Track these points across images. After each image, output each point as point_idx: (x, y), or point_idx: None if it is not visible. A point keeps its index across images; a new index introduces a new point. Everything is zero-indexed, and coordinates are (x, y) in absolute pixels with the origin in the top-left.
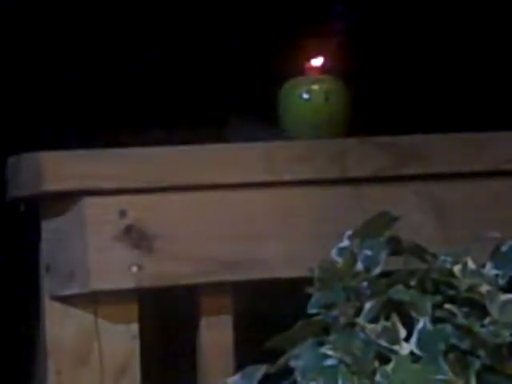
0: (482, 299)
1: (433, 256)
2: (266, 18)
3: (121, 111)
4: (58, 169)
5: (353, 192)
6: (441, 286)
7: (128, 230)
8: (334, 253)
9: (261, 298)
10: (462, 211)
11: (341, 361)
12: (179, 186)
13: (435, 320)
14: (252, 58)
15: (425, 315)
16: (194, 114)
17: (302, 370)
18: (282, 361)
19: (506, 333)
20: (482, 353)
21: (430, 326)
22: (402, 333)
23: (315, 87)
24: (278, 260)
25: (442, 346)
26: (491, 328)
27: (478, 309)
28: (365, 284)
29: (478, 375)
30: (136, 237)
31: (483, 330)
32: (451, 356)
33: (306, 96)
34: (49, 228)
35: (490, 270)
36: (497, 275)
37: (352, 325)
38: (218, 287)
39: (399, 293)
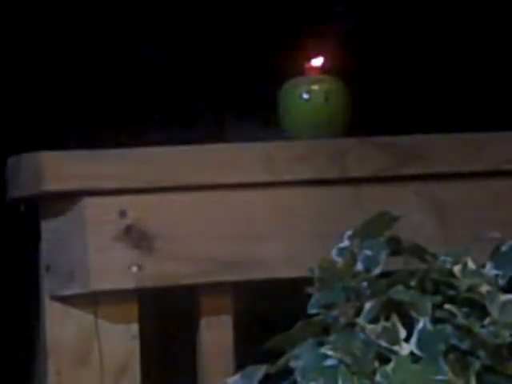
0: (482, 299)
1: (433, 256)
2: (266, 18)
3: (121, 111)
4: (58, 169)
5: (353, 192)
6: (441, 287)
7: (128, 230)
8: (333, 253)
9: (261, 298)
10: (462, 211)
11: (341, 361)
12: (179, 186)
13: (435, 320)
14: (252, 57)
15: (425, 315)
16: (194, 114)
17: (302, 370)
18: (281, 361)
19: (506, 333)
20: (482, 353)
21: (430, 327)
22: (402, 333)
23: (315, 87)
24: (277, 260)
25: (442, 347)
26: (491, 328)
27: (478, 309)
28: (365, 284)
29: (478, 375)
30: (136, 237)
31: (483, 331)
32: (451, 356)
33: (305, 96)
34: (49, 228)
35: (490, 270)
36: (497, 275)
37: (352, 325)
38: (217, 287)
39: (399, 293)
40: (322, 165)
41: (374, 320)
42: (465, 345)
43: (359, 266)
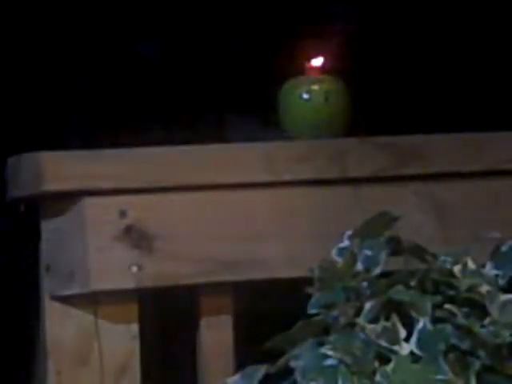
0: (482, 299)
1: (433, 256)
2: (266, 18)
3: (121, 111)
4: (58, 169)
5: (353, 192)
6: (441, 286)
7: (128, 230)
8: (333, 253)
9: (261, 298)
10: (462, 211)
11: (341, 361)
12: (179, 186)
13: (435, 320)
14: (252, 57)
15: (425, 315)
16: (194, 114)
17: (302, 370)
18: (282, 361)
19: (506, 333)
20: (482, 353)
21: (430, 326)
22: (402, 333)
23: (315, 87)
24: (278, 260)
25: (442, 346)
26: (491, 328)
27: (478, 309)
28: (365, 284)
29: (478, 375)
30: (136, 237)
31: (483, 330)
32: (451, 356)
33: (305, 96)
34: (49, 228)
35: (490, 270)
36: (497, 275)
37: (352, 325)
38: (217, 287)
39: (399, 293)
40: (322, 165)
41: (374, 320)
42: (465, 345)
43: (359, 266)
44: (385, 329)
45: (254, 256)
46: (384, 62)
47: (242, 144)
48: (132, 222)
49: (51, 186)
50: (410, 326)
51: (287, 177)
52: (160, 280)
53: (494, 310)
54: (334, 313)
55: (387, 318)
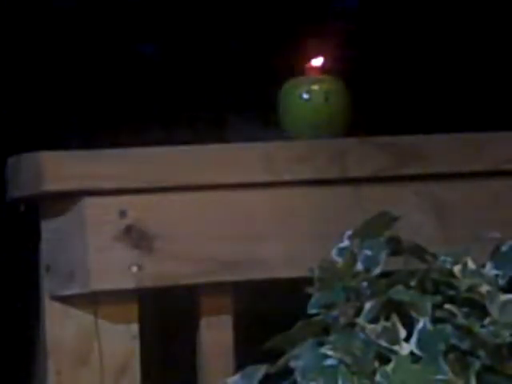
0: (482, 299)
1: (433, 256)
2: (266, 17)
3: (121, 111)
4: (58, 169)
5: (353, 192)
6: (441, 286)
7: (128, 230)
8: (333, 253)
9: (261, 298)
10: (462, 211)
11: (341, 361)
12: (179, 186)
13: (435, 320)
14: (252, 57)
15: (425, 315)
16: (194, 113)
17: (302, 370)
18: (282, 361)
19: (506, 333)
20: (482, 353)
21: (430, 326)
22: (402, 333)
23: (315, 87)
24: (278, 260)
25: (442, 347)
26: (491, 328)
27: (478, 309)
28: (365, 284)
29: (478, 375)
30: (136, 237)
31: (483, 331)
32: (451, 356)
33: (305, 96)
34: (49, 228)
35: (490, 270)
36: (497, 275)
37: (352, 325)
38: (218, 287)
39: (399, 293)
40: (322, 165)
41: (374, 320)
42: (465, 345)
43: (359, 266)
44: (385, 329)
45: (254, 256)
46: (384, 62)
47: (242, 144)
48: (132, 222)
49: (51, 185)
50: (410, 325)
51: (287, 177)
52: (160, 280)
53: (494, 310)
54: (334, 313)
55: (387, 318)
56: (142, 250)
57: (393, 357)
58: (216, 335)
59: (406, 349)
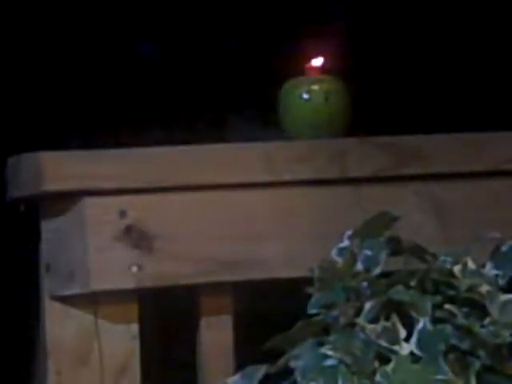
0: (482, 299)
1: (433, 256)
2: (266, 18)
3: (121, 111)
4: (58, 169)
5: (353, 192)
6: (441, 286)
7: (128, 230)
8: (333, 253)
9: (261, 298)
10: (462, 211)
11: (341, 361)
12: (179, 186)
13: (435, 320)
14: (252, 57)
15: (425, 315)
16: (194, 114)
17: (302, 370)
18: (282, 361)
19: (506, 333)
20: (482, 353)
21: (430, 327)
22: (402, 333)
23: (315, 87)
24: (278, 260)
25: (442, 347)
26: (491, 328)
27: (478, 309)
28: (365, 284)
29: (478, 375)
30: (136, 237)
31: (483, 331)
32: (451, 356)
33: (305, 96)
34: (49, 228)
35: (490, 270)
36: (497, 275)
37: (352, 325)
38: (218, 287)
39: (399, 293)
40: (322, 165)
41: (374, 320)
42: (465, 345)
43: (359, 266)
44: (385, 329)
45: (254, 256)
46: (384, 62)
47: (242, 144)
48: (132, 222)
49: (51, 185)
50: (410, 326)
51: (287, 177)
52: (160, 280)
53: (494, 310)
54: (334, 313)
55: (387, 318)
56: (142, 250)
57: (393, 357)
58: (216, 335)
59: (406, 349)
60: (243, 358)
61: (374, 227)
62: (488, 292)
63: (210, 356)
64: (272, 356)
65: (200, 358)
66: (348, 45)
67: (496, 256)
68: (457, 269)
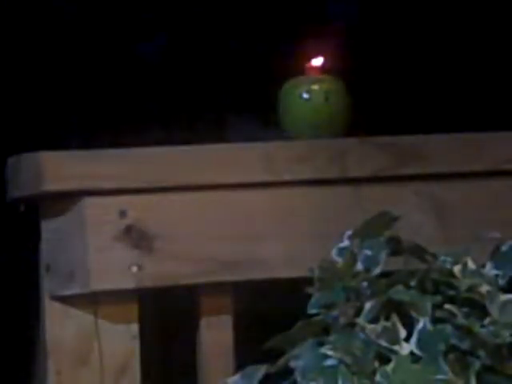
0: (482, 299)
1: (433, 256)
2: (267, 17)
3: (121, 111)
4: (58, 169)
5: (353, 192)
6: (441, 286)
7: (128, 230)
8: (333, 253)
9: (261, 298)
10: (462, 211)
11: (341, 361)
12: (179, 186)
13: (435, 320)
14: (252, 57)
15: (425, 315)
16: (194, 114)
17: (302, 370)
18: (282, 361)
19: (506, 333)
20: (482, 353)
21: (429, 327)
22: (402, 333)
23: (315, 87)
24: (278, 260)
25: (442, 347)
26: (491, 328)
27: (478, 309)
28: (365, 284)
29: (478, 375)
30: (136, 237)
31: (483, 331)
32: (451, 356)
33: (306, 96)
34: (49, 228)
35: (490, 270)
36: (497, 275)
37: (352, 325)
38: (218, 287)
39: (399, 293)
40: (322, 165)
41: (374, 320)
42: (465, 345)
43: (359, 266)
44: (385, 329)
45: (254, 256)
46: (384, 62)
47: (242, 144)
48: (132, 222)
49: (51, 185)
50: (410, 326)
51: (287, 177)
52: (160, 280)
53: (494, 310)
54: (334, 313)
55: (387, 318)
56: (142, 250)
57: (393, 357)
58: (216, 335)
59: (406, 349)
60: (243, 358)
61: (374, 227)
62: (488, 292)
63: (210, 356)
64: (272, 356)
65: (200, 358)
66: (348, 45)
67: (496, 256)
68: (457, 269)
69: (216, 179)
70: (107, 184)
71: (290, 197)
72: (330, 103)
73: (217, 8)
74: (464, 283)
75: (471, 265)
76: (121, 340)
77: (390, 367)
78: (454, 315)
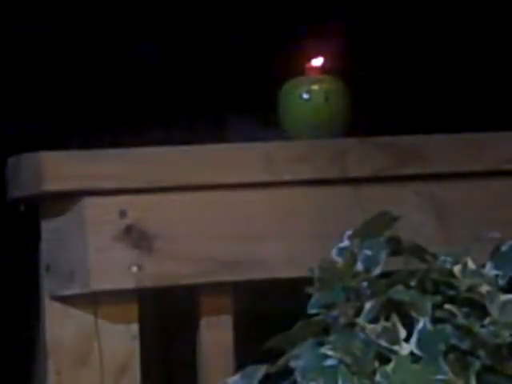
0: (482, 299)
1: (433, 256)
2: (267, 17)
3: (121, 111)
4: (58, 169)
5: (353, 192)
6: (441, 286)
7: (128, 230)
8: (333, 253)
9: (261, 298)
10: (462, 211)
11: (341, 361)
12: (179, 186)
13: (435, 320)
14: (252, 57)
15: (425, 315)
16: (194, 114)
17: (302, 370)
18: (281, 361)
19: (506, 333)
20: (482, 353)
21: (430, 327)
22: (402, 333)
23: (315, 87)
24: (278, 260)
25: (442, 347)
26: (491, 328)
27: (478, 309)
28: (365, 284)
29: (478, 375)
30: (136, 237)
31: (483, 331)
32: (451, 356)
33: (305, 96)
34: (49, 228)
35: (490, 270)
36: (497, 275)
37: (352, 325)
38: (217, 287)
39: (399, 293)
40: (322, 165)
41: (374, 320)
42: (465, 345)
43: (359, 266)
44: (385, 329)
45: (254, 256)
46: (384, 62)
47: (241, 144)
48: (132, 222)
49: (51, 185)
50: (410, 326)
51: (287, 177)
52: (160, 280)
53: (494, 310)
54: (334, 313)
55: (387, 318)
56: (142, 250)
57: (393, 357)
58: (216, 335)
59: (406, 349)
60: (243, 358)
61: (374, 227)
62: (488, 292)
63: (210, 356)
64: (272, 356)
65: (200, 358)
66: (348, 45)
67: (496, 256)
68: (457, 269)
69: (216, 179)
70: (107, 184)
71: (290, 197)
72: (329, 103)
73: (217, 8)
74: (464, 283)
75: (471, 265)
76: (121, 340)
77: (390, 367)
78: (453, 315)
